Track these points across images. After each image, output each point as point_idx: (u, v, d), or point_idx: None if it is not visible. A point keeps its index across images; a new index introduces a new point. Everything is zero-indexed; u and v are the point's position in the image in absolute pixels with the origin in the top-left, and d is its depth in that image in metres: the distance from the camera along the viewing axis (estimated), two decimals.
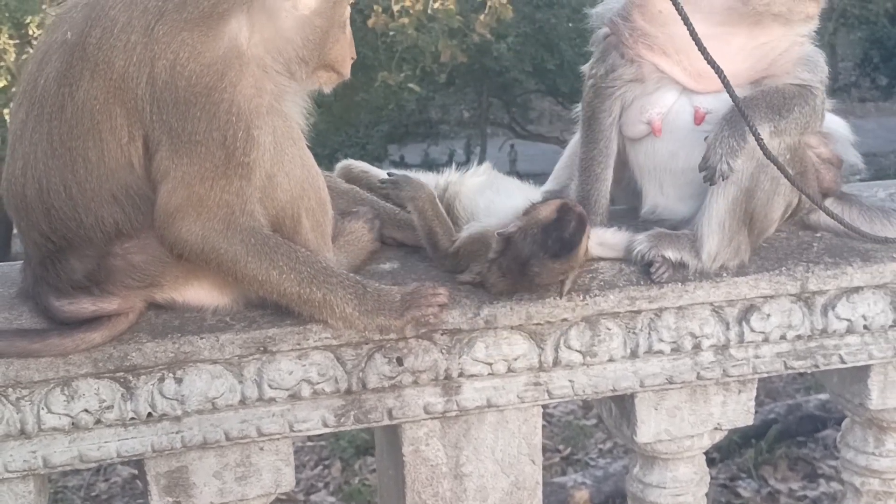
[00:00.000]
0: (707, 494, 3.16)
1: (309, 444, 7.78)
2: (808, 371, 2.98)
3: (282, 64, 2.49)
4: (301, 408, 2.61)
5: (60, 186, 2.42)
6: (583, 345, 2.73)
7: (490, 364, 2.68)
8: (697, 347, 2.82)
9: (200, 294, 2.55)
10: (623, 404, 2.99)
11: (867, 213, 3.03)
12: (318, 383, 2.58)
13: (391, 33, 12.95)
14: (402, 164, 16.93)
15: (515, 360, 2.70)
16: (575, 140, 3.11)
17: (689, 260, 2.76)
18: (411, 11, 12.19)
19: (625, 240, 2.80)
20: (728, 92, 2.63)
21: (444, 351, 2.64)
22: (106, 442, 2.52)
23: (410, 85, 14.16)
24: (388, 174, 2.93)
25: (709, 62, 2.59)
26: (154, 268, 2.48)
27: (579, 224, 2.58)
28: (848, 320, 2.89)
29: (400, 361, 2.61)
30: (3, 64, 11.18)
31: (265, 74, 2.44)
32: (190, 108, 2.34)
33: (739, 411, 2.99)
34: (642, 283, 2.73)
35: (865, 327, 2.91)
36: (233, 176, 2.37)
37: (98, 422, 2.49)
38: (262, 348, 2.52)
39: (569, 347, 2.72)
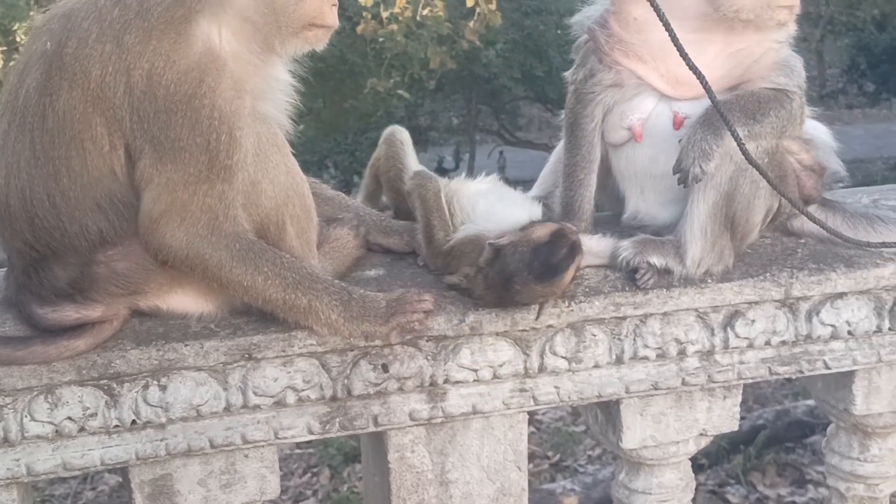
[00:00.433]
0: (693, 500, 3.16)
1: (297, 451, 7.75)
2: (793, 377, 2.98)
3: (260, 46, 2.47)
4: (286, 415, 2.60)
5: (44, 195, 2.42)
6: (568, 351, 2.73)
7: (475, 370, 2.68)
8: (682, 353, 2.82)
9: (185, 301, 2.54)
10: (609, 410, 2.99)
11: (850, 219, 3.04)
12: (303, 390, 2.57)
13: (380, 40, 12.97)
14: None
15: (501, 366, 2.69)
16: (560, 146, 3.11)
17: (674, 266, 2.77)
18: (400, 18, 12.20)
19: (610, 246, 2.80)
20: (708, 94, 2.63)
21: (429, 357, 2.64)
22: (90, 450, 2.51)
23: (399, 91, 14.18)
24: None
25: (688, 65, 2.60)
26: (138, 275, 2.47)
27: (570, 252, 2.57)
28: (832, 326, 2.90)
29: (385, 368, 2.60)
30: None
31: (245, 71, 2.43)
32: (171, 117, 2.33)
33: (725, 417, 3.00)
34: (627, 289, 2.74)
35: (849, 333, 2.92)
36: (215, 180, 2.37)
37: (82, 429, 2.48)
38: (246, 355, 2.51)
39: (554, 354, 2.72)
